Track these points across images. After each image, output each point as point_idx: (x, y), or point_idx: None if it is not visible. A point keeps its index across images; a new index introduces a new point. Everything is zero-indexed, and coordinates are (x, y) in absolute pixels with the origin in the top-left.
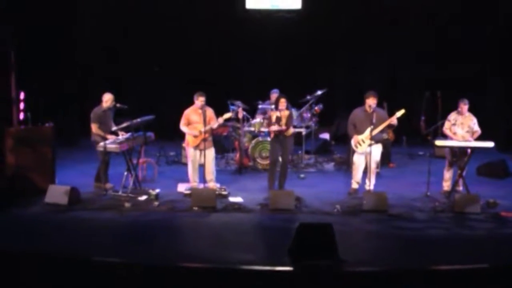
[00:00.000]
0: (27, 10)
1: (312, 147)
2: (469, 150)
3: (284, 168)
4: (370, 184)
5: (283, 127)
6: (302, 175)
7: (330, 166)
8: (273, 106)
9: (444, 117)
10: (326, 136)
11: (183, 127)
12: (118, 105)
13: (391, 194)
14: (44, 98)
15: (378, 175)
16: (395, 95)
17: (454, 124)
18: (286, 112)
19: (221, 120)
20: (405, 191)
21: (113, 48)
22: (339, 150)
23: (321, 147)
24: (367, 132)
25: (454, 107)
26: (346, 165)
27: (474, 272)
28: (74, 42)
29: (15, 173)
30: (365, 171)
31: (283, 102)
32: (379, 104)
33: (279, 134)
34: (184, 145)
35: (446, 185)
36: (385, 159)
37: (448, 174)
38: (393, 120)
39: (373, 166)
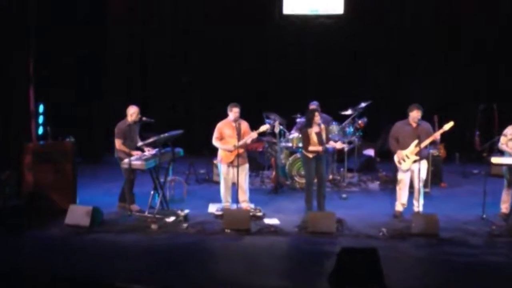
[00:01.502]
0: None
1: (355, 165)
2: None
3: (323, 188)
4: (419, 205)
5: (336, 146)
6: (344, 195)
7: (375, 185)
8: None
9: (501, 131)
10: (370, 152)
11: (215, 142)
12: (144, 118)
13: (442, 216)
14: (65, 111)
15: (427, 195)
16: (447, 107)
17: (511, 139)
18: (322, 126)
19: (255, 134)
20: (458, 213)
21: (140, 58)
22: (385, 167)
23: (365, 164)
24: (412, 147)
25: (511, 121)
26: (392, 184)
27: None
28: (99, 50)
29: (33, 192)
30: (412, 191)
31: (317, 116)
32: (428, 118)
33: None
34: (216, 161)
35: (504, 207)
36: (436, 178)
37: (506, 195)
38: (439, 135)
39: (420, 184)
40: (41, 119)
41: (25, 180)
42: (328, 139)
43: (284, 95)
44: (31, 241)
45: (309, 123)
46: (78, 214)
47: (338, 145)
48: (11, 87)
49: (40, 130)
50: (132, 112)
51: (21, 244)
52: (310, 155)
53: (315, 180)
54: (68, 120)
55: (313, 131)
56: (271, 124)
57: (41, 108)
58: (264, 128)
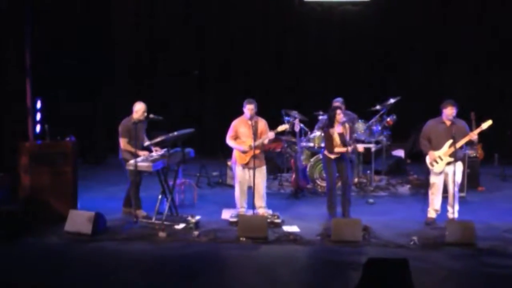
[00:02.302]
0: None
1: (383, 167)
2: None
3: (347, 192)
4: (454, 212)
5: (356, 146)
6: (370, 200)
7: (405, 189)
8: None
9: None
10: (400, 153)
11: (229, 141)
12: (151, 115)
13: (479, 223)
14: (65, 108)
15: (463, 201)
16: (485, 104)
17: None
18: (347, 125)
19: (272, 134)
20: (497, 221)
21: (148, 51)
22: (416, 170)
23: (394, 166)
24: (445, 147)
25: None
26: (424, 189)
27: None
28: (103, 42)
29: (30, 196)
30: (446, 196)
31: (340, 114)
32: (465, 115)
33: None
34: (230, 163)
35: None
36: (473, 181)
37: None
38: (476, 135)
39: (455, 189)
40: (38, 116)
41: (21, 183)
42: (354, 139)
43: (305, 90)
44: (26, 251)
45: (331, 123)
46: (79, 220)
47: (359, 148)
48: (5, 80)
49: (38, 129)
50: (138, 108)
51: (16, 254)
52: (332, 156)
53: (339, 184)
54: (69, 117)
55: (335, 131)
56: (290, 122)
57: (38, 104)
58: (283, 127)
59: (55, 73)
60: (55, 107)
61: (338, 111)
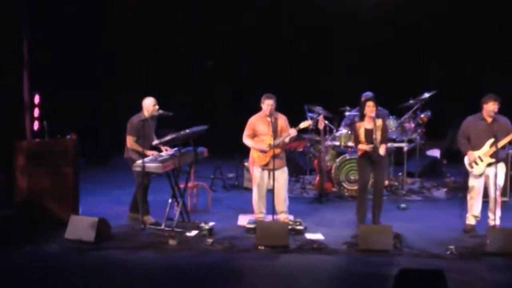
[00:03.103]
0: None
1: (417, 168)
2: None
3: (379, 196)
4: (495, 218)
5: (381, 146)
6: (403, 205)
7: (440, 193)
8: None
9: None
10: (435, 153)
11: (246, 140)
12: (160, 111)
13: None
14: (66, 103)
15: (506, 206)
16: None
17: None
18: (379, 122)
19: (294, 131)
20: None
21: (156, 39)
22: (453, 171)
23: (429, 167)
24: (486, 147)
25: None
26: (462, 192)
27: None
28: (108, 30)
29: (27, 200)
30: (487, 201)
31: (371, 107)
32: (508, 111)
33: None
34: (247, 164)
35: None
36: None
37: None
38: None
39: (496, 193)
40: (36, 111)
41: (17, 186)
42: (384, 138)
43: (330, 84)
44: (23, 260)
45: (361, 116)
46: (81, 227)
47: (381, 151)
48: (0, 72)
49: (36, 125)
50: (148, 103)
51: (11, 264)
52: (363, 156)
53: (370, 187)
54: (70, 113)
55: (362, 125)
56: (314, 118)
57: (37, 99)
58: (305, 123)
59: (55, 64)
60: (54, 101)
61: (369, 103)
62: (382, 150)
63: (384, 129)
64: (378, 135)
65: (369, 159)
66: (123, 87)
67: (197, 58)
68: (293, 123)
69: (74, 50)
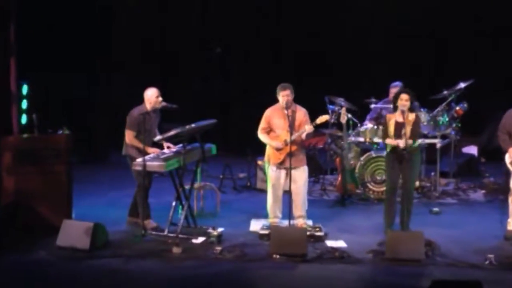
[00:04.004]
0: None
1: (451, 167)
2: None
3: (409, 199)
4: None
5: (409, 141)
6: (435, 209)
7: (478, 195)
8: (390, 106)
9: None
10: (472, 150)
11: (261, 135)
12: (164, 103)
13: None
14: (57, 94)
15: None
16: None
17: None
18: (411, 116)
19: (310, 127)
20: None
21: (158, 22)
22: (493, 171)
23: (465, 166)
24: None
25: None
26: (503, 194)
27: None
28: (104, 12)
29: (14, 203)
30: None
31: (404, 100)
32: None
33: (401, 149)
34: (261, 162)
35: None
36: None
37: None
38: None
39: None
40: (24, 104)
41: (4, 186)
42: (415, 134)
43: (353, 73)
44: (9, 269)
45: (394, 108)
46: (74, 232)
47: (401, 144)
48: None
49: (24, 119)
50: (151, 95)
51: None
52: (392, 153)
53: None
54: (62, 105)
55: (393, 118)
56: (335, 111)
57: (25, 89)
58: (323, 118)
59: (45, 51)
60: (45, 92)
61: (403, 96)
62: (401, 143)
63: (417, 124)
64: (408, 130)
65: (398, 157)
66: (122, 75)
67: (206, 43)
68: (314, 117)
69: (67, 33)
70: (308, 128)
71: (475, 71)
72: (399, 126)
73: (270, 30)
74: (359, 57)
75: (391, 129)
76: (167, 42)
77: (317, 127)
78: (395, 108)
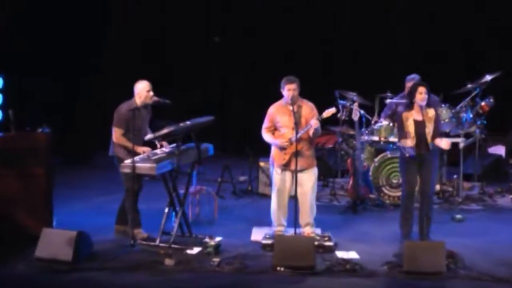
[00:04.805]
0: None
1: (476, 169)
2: None
3: (428, 205)
4: None
5: (441, 145)
6: (458, 216)
7: (506, 200)
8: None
9: None
10: (499, 150)
11: (265, 134)
12: (155, 98)
13: None
14: (35, 88)
15: None
16: None
17: None
18: (431, 112)
19: (315, 122)
20: None
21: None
22: None
23: (492, 168)
24: None
25: None
26: None
27: None
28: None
29: None
30: None
31: (423, 93)
32: None
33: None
34: (264, 164)
35: None
36: None
37: None
38: None
39: None
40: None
41: None
42: (436, 132)
43: (366, 66)
44: None
45: (409, 104)
46: (55, 242)
47: (444, 144)
48: None
49: None
50: (141, 88)
51: None
52: (407, 154)
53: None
54: (42, 101)
55: (411, 116)
56: (347, 107)
57: (0, 83)
58: (329, 111)
59: (23, 41)
60: (22, 86)
61: (421, 89)
62: (444, 143)
63: (437, 121)
64: (430, 129)
65: (415, 158)
66: (110, 66)
67: (204, 34)
68: (321, 111)
69: (51, 20)
70: (314, 123)
71: (502, 62)
72: (419, 125)
73: (270, 30)
74: (372, 47)
75: (411, 129)
76: (167, 42)
77: (326, 124)
78: (411, 104)
